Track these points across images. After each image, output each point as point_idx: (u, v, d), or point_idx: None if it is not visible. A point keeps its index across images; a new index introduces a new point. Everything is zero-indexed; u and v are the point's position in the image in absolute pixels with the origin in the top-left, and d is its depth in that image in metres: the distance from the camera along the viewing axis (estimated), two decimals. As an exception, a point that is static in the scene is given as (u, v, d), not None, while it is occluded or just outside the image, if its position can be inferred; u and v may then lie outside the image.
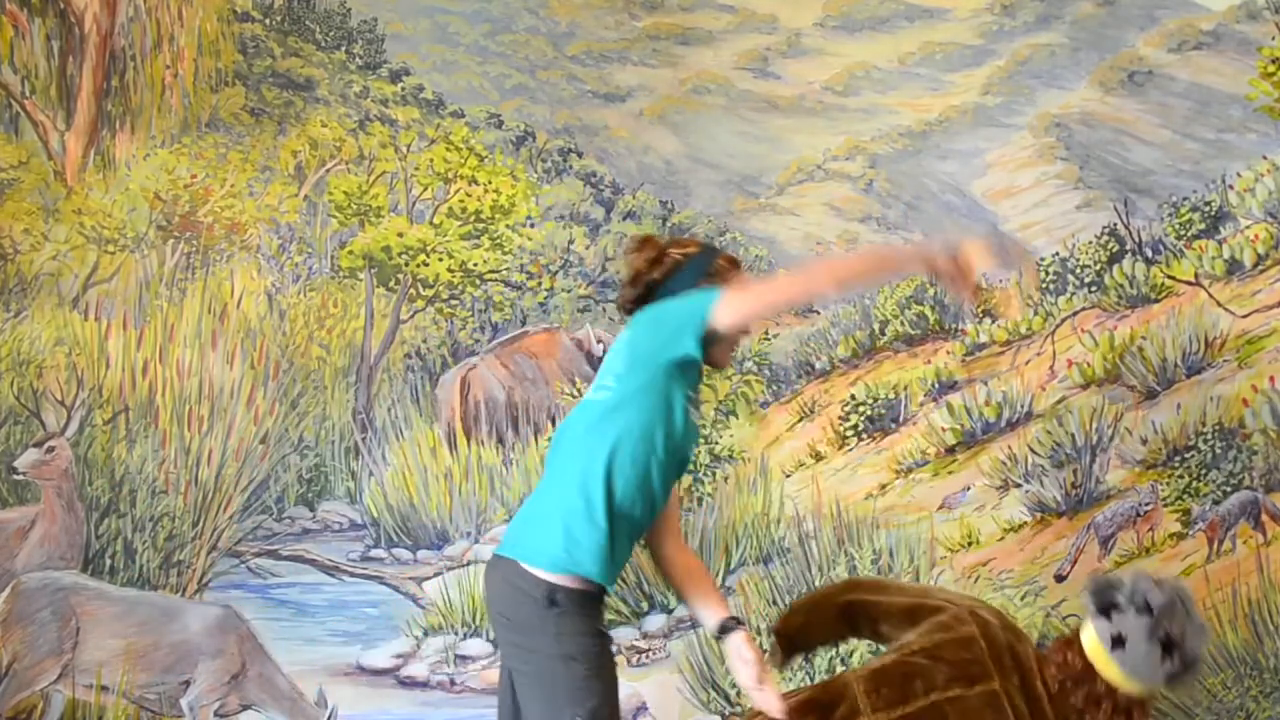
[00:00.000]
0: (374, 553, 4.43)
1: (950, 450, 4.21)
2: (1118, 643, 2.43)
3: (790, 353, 4.38)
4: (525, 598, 2.52)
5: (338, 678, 4.33)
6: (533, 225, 4.55)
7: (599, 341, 4.46)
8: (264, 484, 4.42)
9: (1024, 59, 4.39)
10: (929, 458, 4.22)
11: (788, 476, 4.22)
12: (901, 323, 4.34)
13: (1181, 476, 3.98)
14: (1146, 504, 3.99)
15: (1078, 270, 4.21)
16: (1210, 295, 4.06)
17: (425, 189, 4.55)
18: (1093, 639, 2.46)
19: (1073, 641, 2.51)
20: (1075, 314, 4.19)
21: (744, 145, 4.50)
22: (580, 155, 4.60)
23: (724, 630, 2.59)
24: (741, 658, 2.55)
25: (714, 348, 2.57)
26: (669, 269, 2.65)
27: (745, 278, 2.72)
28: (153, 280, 4.53)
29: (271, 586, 4.36)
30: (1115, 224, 4.19)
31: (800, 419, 4.34)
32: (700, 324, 2.49)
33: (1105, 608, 2.46)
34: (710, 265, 2.66)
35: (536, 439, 4.43)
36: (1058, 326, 4.20)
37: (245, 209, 4.56)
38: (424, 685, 4.30)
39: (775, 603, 4.05)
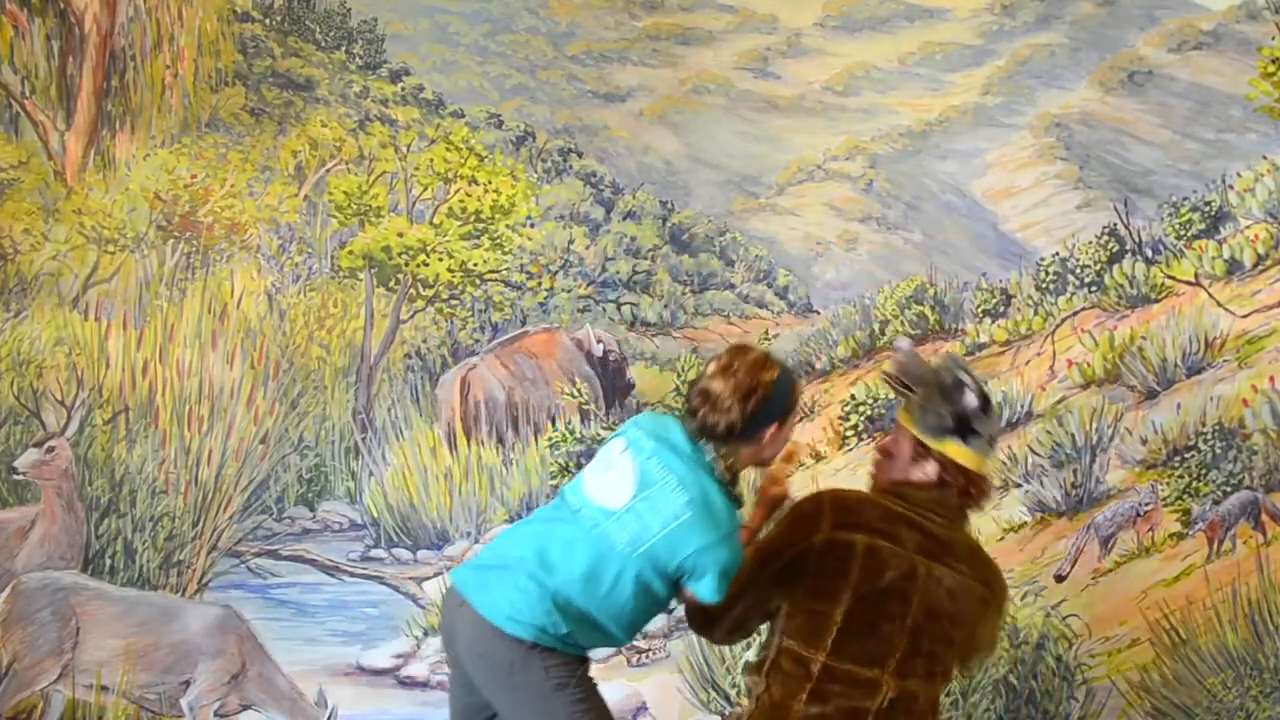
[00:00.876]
0: (374, 553, 4.43)
1: (950, 450, 4.21)
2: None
3: (790, 353, 4.38)
4: (506, 640, 2.54)
5: (338, 678, 4.33)
6: (533, 225, 4.55)
7: (599, 341, 4.46)
8: (264, 484, 4.42)
9: (1024, 59, 4.39)
10: (929, 458, 4.21)
11: (787, 476, 4.22)
12: (901, 323, 4.34)
13: (1181, 476, 3.98)
14: (1146, 504, 3.99)
15: (1078, 270, 4.21)
16: (1210, 295, 4.06)
17: (425, 189, 4.55)
18: (901, 416, 2.73)
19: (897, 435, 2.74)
20: (1075, 314, 4.19)
21: (744, 145, 4.50)
22: (580, 155, 4.60)
23: None
24: None
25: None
26: (763, 397, 2.58)
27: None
28: (153, 280, 4.53)
29: (271, 586, 4.36)
30: (1115, 224, 4.19)
31: (800, 419, 4.34)
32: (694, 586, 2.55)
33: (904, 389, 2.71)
34: (790, 392, 2.66)
35: (536, 439, 4.43)
36: (1058, 326, 4.20)
37: (245, 209, 4.57)
38: (424, 685, 4.30)
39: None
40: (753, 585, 2.61)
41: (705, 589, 2.53)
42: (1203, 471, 3.96)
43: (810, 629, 2.55)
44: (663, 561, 2.53)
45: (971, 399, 2.69)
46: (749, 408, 2.56)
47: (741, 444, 2.60)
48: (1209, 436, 3.96)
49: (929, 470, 2.69)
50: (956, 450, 2.67)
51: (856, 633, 2.53)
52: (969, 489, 2.68)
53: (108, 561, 4.29)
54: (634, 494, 2.54)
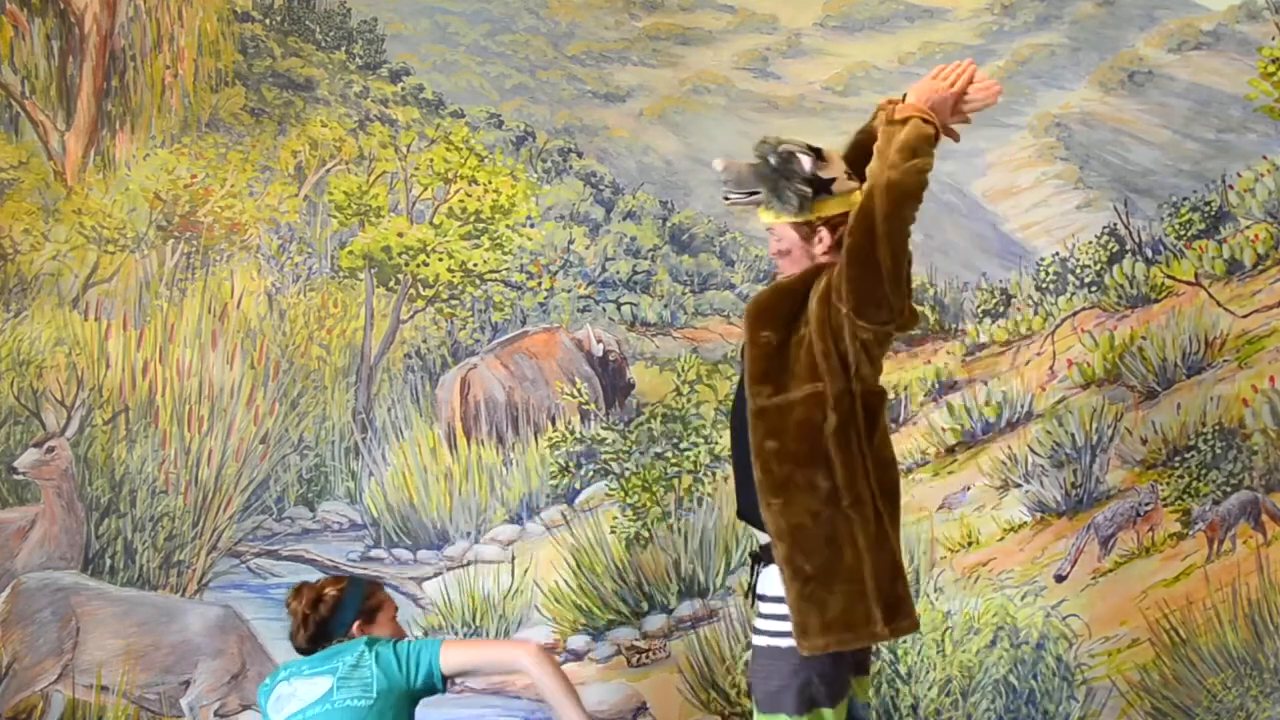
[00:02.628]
0: (374, 553, 4.43)
1: (950, 450, 4.21)
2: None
3: (790, 353, 4.38)
4: None
5: (338, 678, 4.33)
6: (533, 225, 4.55)
7: (599, 341, 4.46)
8: (264, 484, 4.43)
9: (1024, 59, 4.38)
10: (929, 458, 4.22)
11: (788, 476, 4.21)
12: (901, 323, 4.33)
13: (1181, 476, 3.98)
14: (1146, 504, 3.99)
15: (1078, 270, 4.21)
16: (1210, 295, 4.06)
17: (425, 189, 4.55)
18: (767, 218, 2.88)
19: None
20: (1075, 314, 4.19)
21: (744, 145, 4.48)
22: (580, 155, 4.60)
23: None
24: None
25: None
26: (331, 605, 3.38)
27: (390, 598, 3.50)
28: (153, 280, 4.53)
29: (271, 586, 4.36)
30: (1115, 224, 4.19)
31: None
32: (431, 668, 3.23)
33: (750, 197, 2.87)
34: (363, 596, 3.43)
35: (536, 439, 4.43)
36: (1058, 326, 4.20)
37: (245, 209, 4.57)
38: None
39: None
40: None
41: (430, 653, 3.25)
42: (1203, 471, 3.96)
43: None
44: (403, 683, 3.23)
45: (804, 159, 2.78)
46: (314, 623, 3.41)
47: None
48: (1209, 436, 3.96)
49: (825, 238, 2.80)
50: (831, 205, 2.78)
51: None
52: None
53: (108, 561, 4.29)
54: (331, 686, 3.19)
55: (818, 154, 2.83)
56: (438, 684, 3.25)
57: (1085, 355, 4.14)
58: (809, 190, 2.79)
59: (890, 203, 2.69)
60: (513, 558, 4.35)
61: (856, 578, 2.70)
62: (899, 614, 2.74)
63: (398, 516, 4.43)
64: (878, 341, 2.77)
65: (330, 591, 3.40)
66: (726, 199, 2.94)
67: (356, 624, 3.38)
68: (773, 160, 2.80)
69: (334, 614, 3.36)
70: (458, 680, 3.59)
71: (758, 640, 2.84)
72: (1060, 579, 4.01)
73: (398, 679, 3.19)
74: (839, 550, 2.69)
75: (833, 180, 2.82)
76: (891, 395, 4.28)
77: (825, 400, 2.72)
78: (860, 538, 2.70)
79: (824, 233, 2.83)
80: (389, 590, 3.66)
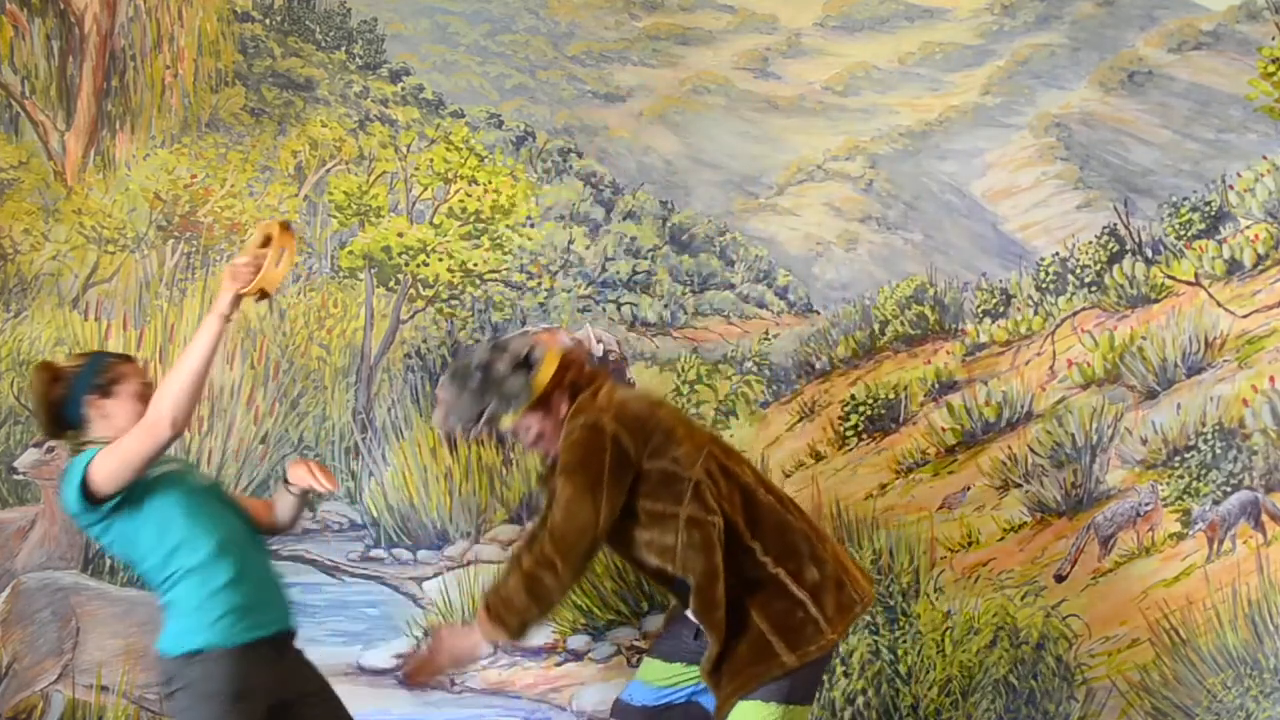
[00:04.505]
0: (374, 553, 4.43)
1: (950, 450, 4.21)
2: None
3: (790, 353, 4.38)
4: None
5: (338, 678, 4.29)
6: (533, 225, 4.55)
7: (599, 341, 4.46)
8: (264, 484, 4.42)
9: (1024, 59, 4.39)
10: (929, 458, 4.22)
11: (788, 476, 4.22)
12: (901, 323, 4.34)
13: (1181, 476, 3.98)
14: (1146, 504, 3.99)
15: (1078, 270, 4.21)
16: (1210, 295, 4.06)
17: (425, 189, 4.55)
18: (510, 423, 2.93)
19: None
20: (1075, 314, 4.19)
21: (744, 145, 4.50)
22: (580, 155, 4.60)
23: None
24: None
25: None
26: (67, 385, 2.96)
27: (139, 370, 3.07)
28: (153, 280, 4.53)
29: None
30: (1115, 224, 4.19)
31: (800, 419, 4.34)
32: (77, 490, 2.83)
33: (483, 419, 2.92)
34: (99, 371, 2.99)
35: (536, 439, 4.43)
36: (1058, 326, 4.20)
37: (245, 209, 4.56)
38: (424, 685, 4.29)
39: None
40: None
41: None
42: (1203, 471, 3.96)
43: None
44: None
45: (501, 356, 2.91)
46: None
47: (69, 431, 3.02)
48: (1209, 436, 3.97)
49: (560, 399, 2.91)
50: (545, 368, 2.89)
51: None
52: (569, 379, 2.93)
53: (108, 561, 4.29)
54: None
55: (494, 348, 2.96)
56: (76, 510, 2.88)
57: (1085, 355, 4.14)
58: (526, 374, 2.89)
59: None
60: (513, 558, 4.34)
61: None
62: None
63: (398, 516, 4.43)
64: None
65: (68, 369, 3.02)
66: (473, 433, 2.98)
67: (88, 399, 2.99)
68: (474, 381, 2.90)
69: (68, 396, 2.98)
70: (119, 506, 2.94)
71: None
72: (1060, 579, 4.01)
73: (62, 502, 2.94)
74: None
75: (529, 352, 2.93)
76: (892, 395, 4.28)
77: None
78: None
79: (555, 396, 2.92)
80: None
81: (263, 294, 2.95)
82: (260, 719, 2.90)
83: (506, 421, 2.90)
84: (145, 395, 2.95)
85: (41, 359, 3.21)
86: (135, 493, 2.88)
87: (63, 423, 2.99)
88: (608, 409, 2.85)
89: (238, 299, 2.94)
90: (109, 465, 2.82)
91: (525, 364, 2.89)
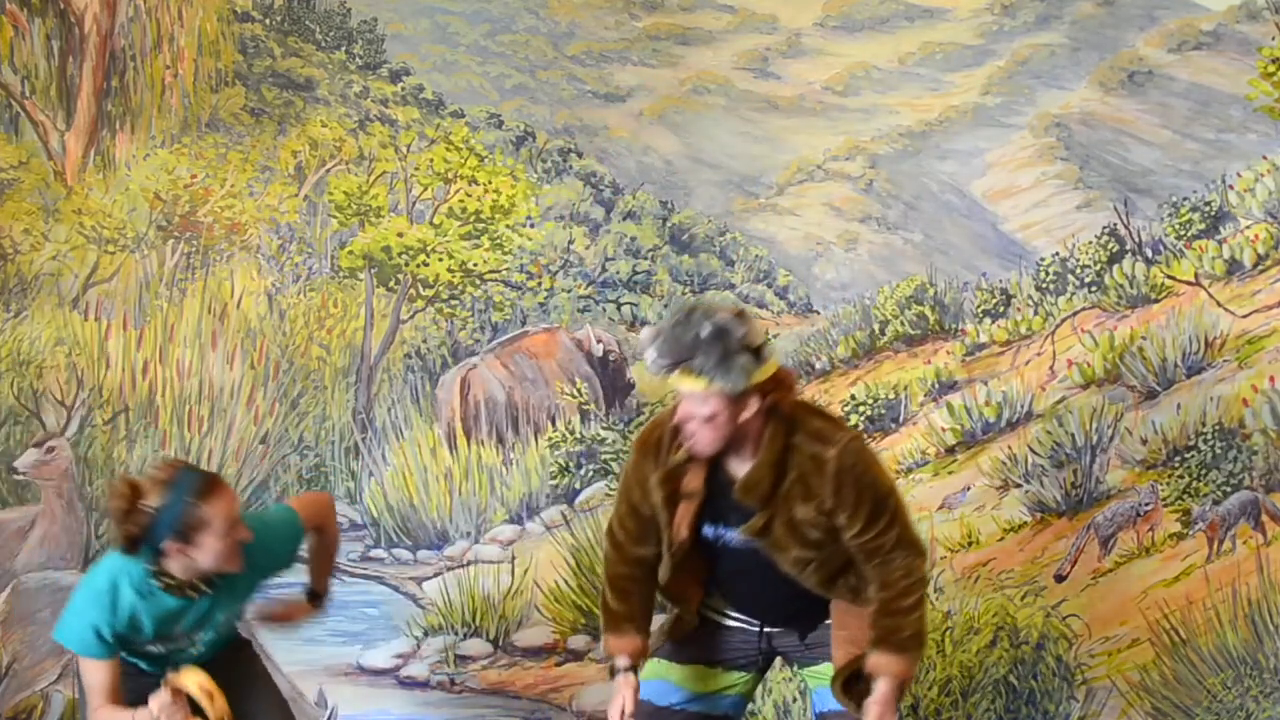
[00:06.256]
0: (374, 553, 4.43)
1: (950, 450, 4.22)
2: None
3: (790, 353, 4.38)
4: None
5: (338, 678, 4.33)
6: (533, 225, 4.55)
7: (599, 341, 4.46)
8: (264, 484, 4.43)
9: (1024, 59, 4.39)
10: (929, 458, 4.22)
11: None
12: (901, 323, 4.34)
13: (1181, 476, 3.98)
14: (1146, 504, 3.99)
15: (1078, 270, 4.21)
16: (1210, 295, 4.06)
17: (425, 189, 4.55)
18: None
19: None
20: (1075, 314, 4.19)
21: (744, 145, 4.50)
22: (580, 155, 4.60)
23: None
24: None
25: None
26: (146, 524, 2.69)
27: (227, 506, 2.74)
28: (153, 280, 4.53)
29: (271, 586, 4.35)
30: (1115, 224, 4.19)
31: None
32: None
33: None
34: (183, 514, 2.69)
35: (536, 439, 4.43)
36: (1058, 326, 4.20)
37: (245, 209, 4.57)
38: (424, 685, 4.30)
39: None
40: None
41: None
42: (1203, 471, 3.96)
43: None
44: None
45: (738, 329, 2.70)
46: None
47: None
48: (1209, 436, 3.96)
49: (754, 404, 2.75)
50: (764, 370, 2.73)
51: None
52: (773, 393, 2.78)
53: (108, 561, 4.28)
54: None
55: (741, 317, 2.75)
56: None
57: (1085, 355, 4.14)
58: (754, 361, 2.70)
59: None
60: (513, 558, 4.35)
61: None
62: None
63: (398, 516, 4.43)
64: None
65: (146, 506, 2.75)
66: (659, 370, 2.81)
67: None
68: (708, 330, 2.69)
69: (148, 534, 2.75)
70: None
71: None
72: (1060, 579, 4.01)
73: None
74: None
75: (764, 345, 2.76)
76: (892, 395, 4.28)
77: None
78: None
79: (754, 399, 2.74)
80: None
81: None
82: None
83: (695, 384, 2.73)
84: (231, 532, 2.76)
85: (123, 475, 3.03)
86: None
87: (137, 553, 2.76)
88: (856, 436, 2.91)
89: None
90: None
91: (756, 352, 2.72)
